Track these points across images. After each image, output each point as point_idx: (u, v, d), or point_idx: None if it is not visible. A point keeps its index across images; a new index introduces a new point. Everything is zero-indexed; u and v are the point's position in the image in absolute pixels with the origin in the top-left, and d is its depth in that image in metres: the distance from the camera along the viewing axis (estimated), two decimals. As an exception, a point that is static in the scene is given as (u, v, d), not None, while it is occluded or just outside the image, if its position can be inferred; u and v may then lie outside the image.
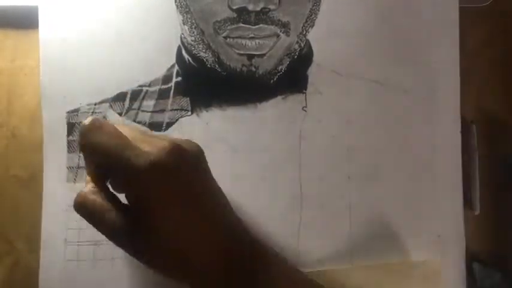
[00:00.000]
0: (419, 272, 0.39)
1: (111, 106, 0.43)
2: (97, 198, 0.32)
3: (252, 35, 0.42)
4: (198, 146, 0.34)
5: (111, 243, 0.40)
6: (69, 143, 0.42)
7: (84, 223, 0.40)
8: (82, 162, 0.42)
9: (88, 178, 0.34)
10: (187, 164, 0.32)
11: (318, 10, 0.42)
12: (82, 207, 0.33)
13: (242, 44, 0.42)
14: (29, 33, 0.44)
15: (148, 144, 0.31)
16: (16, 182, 0.43)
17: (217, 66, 0.42)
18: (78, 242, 0.41)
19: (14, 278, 0.42)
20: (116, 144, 0.31)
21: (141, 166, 0.30)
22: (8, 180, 0.43)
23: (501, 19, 0.43)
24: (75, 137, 0.42)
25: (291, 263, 0.36)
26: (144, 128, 0.39)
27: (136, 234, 0.31)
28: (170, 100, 0.43)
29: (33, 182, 0.42)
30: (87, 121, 0.33)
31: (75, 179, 0.42)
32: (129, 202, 0.32)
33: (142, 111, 0.43)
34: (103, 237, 0.40)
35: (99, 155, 0.32)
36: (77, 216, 0.41)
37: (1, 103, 0.44)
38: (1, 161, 0.43)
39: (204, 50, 0.43)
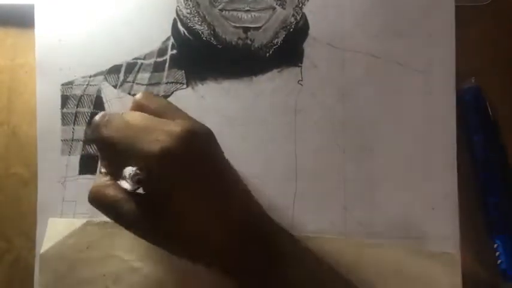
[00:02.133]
0: (438, 261, 0.39)
1: (106, 78, 0.43)
2: (112, 191, 0.33)
3: (248, 8, 0.42)
4: (208, 129, 0.34)
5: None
6: (63, 115, 0.42)
7: (80, 196, 0.42)
8: (76, 135, 0.42)
9: (101, 171, 0.34)
10: (198, 149, 0.32)
11: (315, -17, 0.42)
12: (98, 200, 0.33)
13: (238, 17, 0.42)
14: (29, 31, 0.43)
15: (160, 131, 0.31)
16: (16, 180, 0.43)
17: (212, 39, 0.42)
18: (74, 214, 0.41)
19: (13, 275, 0.42)
20: (126, 136, 0.31)
21: (153, 155, 0.30)
22: (8, 178, 0.43)
23: (501, 19, 0.42)
24: (70, 109, 0.42)
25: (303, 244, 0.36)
26: (163, 102, 0.36)
27: (156, 221, 0.31)
28: (165, 73, 0.42)
29: (33, 180, 0.42)
30: (97, 116, 0.33)
31: (69, 152, 0.42)
32: (145, 190, 0.32)
33: (137, 83, 0.42)
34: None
35: (111, 148, 0.32)
36: (72, 187, 0.42)
37: (1, 101, 0.44)
38: (1, 159, 0.43)
39: (199, 23, 0.42)
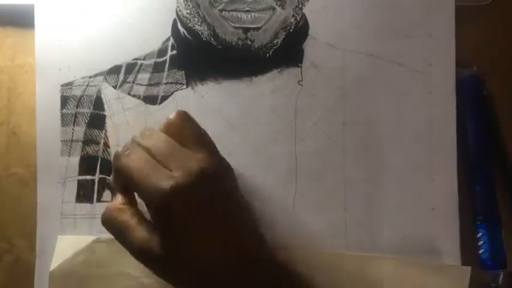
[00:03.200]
0: (445, 276, 0.39)
1: (105, 79, 0.43)
2: (124, 215, 0.33)
3: (248, 8, 0.42)
4: (227, 165, 0.35)
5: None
6: (63, 116, 0.42)
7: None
8: (76, 136, 0.42)
9: (118, 194, 0.35)
10: (211, 189, 0.32)
11: (314, -17, 0.42)
12: (109, 222, 0.33)
13: (238, 17, 0.42)
14: (29, 31, 0.43)
15: (176, 165, 0.31)
16: (16, 180, 0.43)
17: (212, 39, 0.42)
18: (74, 215, 0.41)
19: (13, 275, 0.42)
20: (141, 169, 0.31)
21: (163, 193, 0.30)
22: (8, 178, 0.43)
23: (501, 19, 0.42)
24: (69, 110, 0.42)
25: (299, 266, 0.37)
26: (194, 128, 0.36)
27: (163, 253, 0.32)
28: (165, 73, 0.42)
29: (33, 180, 0.42)
30: (121, 148, 0.33)
31: (69, 153, 0.42)
32: (154, 221, 0.32)
33: (137, 84, 0.42)
34: (99, 211, 0.41)
35: (127, 178, 0.32)
36: (72, 189, 0.42)
37: (1, 101, 0.44)
38: (1, 159, 0.43)
39: (199, 23, 0.42)
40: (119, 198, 0.34)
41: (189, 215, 0.31)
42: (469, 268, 0.39)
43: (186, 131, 0.34)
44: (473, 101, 0.41)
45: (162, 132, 0.34)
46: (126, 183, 0.33)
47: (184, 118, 0.35)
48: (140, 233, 0.32)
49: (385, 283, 0.39)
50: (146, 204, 0.32)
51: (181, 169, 0.31)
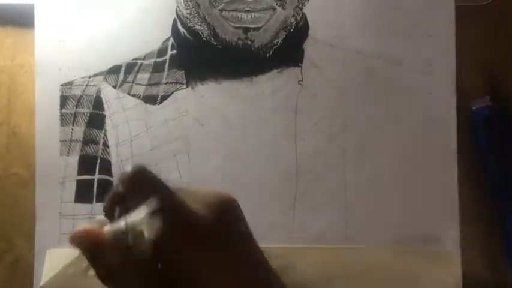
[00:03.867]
0: (437, 261, 0.39)
1: (105, 79, 0.42)
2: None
3: (248, 8, 0.42)
4: (233, 200, 0.32)
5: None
6: (62, 116, 0.42)
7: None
8: (75, 136, 0.42)
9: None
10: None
11: (314, -16, 0.42)
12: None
13: (238, 17, 0.42)
14: (29, 31, 0.43)
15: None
16: (16, 180, 0.43)
17: (212, 39, 0.42)
18: (73, 215, 0.41)
19: (13, 276, 0.42)
20: None
21: None
22: (9, 178, 0.43)
23: (501, 18, 0.43)
24: (69, 109, 0.42)
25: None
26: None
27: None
28: (165, 73, 0.42)
29: (33, 180, 0.42)
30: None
31: (68, 152, 0.42)
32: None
33: (137, 84, 0.42)
34: (98, 211, 0.41)
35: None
36: (71, 189, 0.41)
37: (1, 101, 0.44)
38: (1, 159, 0.43)
39: (199, 23, 0.42)
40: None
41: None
42: (458, 251, 0.39)
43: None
44: (487, 132, 0.41)
45: None
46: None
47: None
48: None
49: (378, 274, 0.39)
50: None
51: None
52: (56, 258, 0.40)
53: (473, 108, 0.41)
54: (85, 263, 0.39)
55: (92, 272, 0.38)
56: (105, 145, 0.42)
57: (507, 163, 0.41)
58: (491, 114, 0.41)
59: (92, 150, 0.42)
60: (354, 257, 0.39)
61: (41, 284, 0.39)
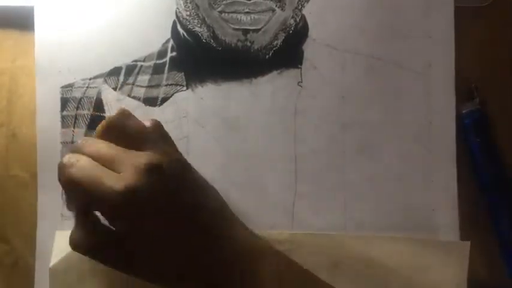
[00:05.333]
0: (445, 251, 0.39)
1: (105, 81, 0.43)
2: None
3: (247, 10, 0.42)
4: (180, 160, 0.34)
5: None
6: (63, 118, 0.42)
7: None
8: (76, 138, 0.42)
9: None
10: (165, 185, 0.32)
11: (314, -16, 0.42)
12: (80, 246, 0.33)
13: (237, 19, 0.42)
14: (29, 33, 0.43)
15: (125, 166, 0.31)
16: (16, 182, 0.43)
17: (212, 41, 0.42)
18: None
19: (14, 277, 0.42)
20: (90, 176, 0.31)
21: (118, 193, 0.30)
22: (8, 180, 0.43)
23: (501, 19, 0.42)
24: (69, 112, 0.42)
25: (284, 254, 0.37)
26: (138, 126, 0.35)
27: (123, 257, 0.32)
28: (165, 75, 0.42)
29: (33, 182, 0.42)
30: (64, 158, 0.32)
31: (69, 154, 0.42)
32: (114, 226, 0.32)
33: (137, 86, 0.42)
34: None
35: (77, 189, 0.31)
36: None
37: (1, 103, 0.44)
38: (1, 160, 0.43)
39: (199, 25, 0.42)
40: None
41: (148, 215, 0.31)
42: (468, 243, 0.39)
43: (129, 131, 0.34)
44: (476, 136, 0.41)
45: (101, 139, 0.33)
46: (79, 200, 0.33)
47: (124, 118, 0.34)
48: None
49: (386, 261, 0.39)
50: (101, 212, 0.32)
51: (129, 169, 0.31)
52: (65, 240, 0.40)
53: (463, 112, 0.41)
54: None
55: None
56: (106, 147, 0.42)
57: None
58: (481, 117, 0.41)
59: None
60: (362, 244, 0.40)
61: (50, 265, 0.40)
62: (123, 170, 0.31)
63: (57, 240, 0.40)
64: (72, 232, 0.33)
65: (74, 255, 0.37)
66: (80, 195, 0.32)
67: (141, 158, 0.31)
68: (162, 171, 0.31)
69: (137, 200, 0.30)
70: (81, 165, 0.31)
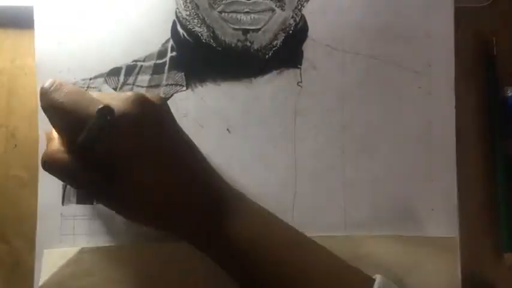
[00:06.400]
0: (435, 247, 0.39)
1: (106, 81, 0.43)
2: (63, 155, 0.32)
3: (247, 10, 0.42)
4: (161, 98, 0.35)
5: (107, 218, 0.41)
6: (63, 117, 0.42)
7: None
8: (77, 138, 0.42)
9: (53, 135, 0.34)
10: (152, 113, 0.32)
11: (314, -16, 0.42)
12: (50, 165, 0.33)
13: (237, 19, 0.42)
14: (28, 33, 0.43)
15: (111, 98, 0.32)
16: (16, 182, 0.43)
17: (212, 41, 0.42)
18: (74, 216, 0.41)
19: (13, 277, 0.42)
20: (77, 100, 0.31)
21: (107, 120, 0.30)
22: (8, 180, 0.43)
23: (501, 19, 0.42)
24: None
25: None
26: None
27: (111, 191, 0.32)
28: (165, 75, 0.42)
29: (33, 182, 0.42)
30: (46, 83, 0.33)
31: (70, 154, 0.42)
32: (100, 159, 0.31)
33: (137, 86, 0.42)
34: (99, 211, 0.41)
35: (63, 114, 0.31)
36: (72, 190, 0.42)
37: (1, 103, 0.44)
38: (1, 160, 0.43)
39: (199, 25, 0.42)
40: (57, 141, 0.33)
41: (136, 144, 0.31)
42: (456, 237, 0.40)
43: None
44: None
45: None
46: (61, 122, 0.33)
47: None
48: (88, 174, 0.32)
49: (382, 260, 0.39)
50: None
51: (117, 99, 0.31)
52: (54, 258, 0.40)
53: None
54: (84, 263, 0.39)
55: (88, 271, 0.39)
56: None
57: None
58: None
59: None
60: (353, 243, 0.40)
61: (39, 284, 0.40)
62: (109, 101, 0.31)
63: (45, 259, 0.40)
64: (45, 153, 0.33)
65: (63, 273, 0.37)
66: (66, 122, 0.32)
67: (127, 92, 0.33)
68: (149, 101, 0.32)
69: (126, 128, 0.31)
70: (67, 89, 0.32)
